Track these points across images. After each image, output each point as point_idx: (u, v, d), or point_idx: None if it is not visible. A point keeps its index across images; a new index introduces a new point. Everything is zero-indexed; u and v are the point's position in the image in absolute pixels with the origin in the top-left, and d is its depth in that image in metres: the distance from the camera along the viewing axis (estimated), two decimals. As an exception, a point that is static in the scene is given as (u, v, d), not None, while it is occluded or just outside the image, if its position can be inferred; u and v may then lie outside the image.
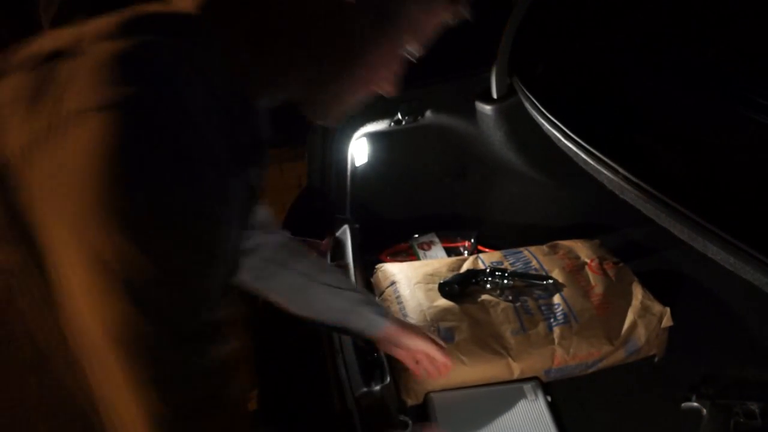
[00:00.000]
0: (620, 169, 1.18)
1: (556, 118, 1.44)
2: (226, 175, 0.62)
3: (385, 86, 0.82)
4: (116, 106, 0.54)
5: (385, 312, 1.27)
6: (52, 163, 0.55)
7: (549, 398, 1.37)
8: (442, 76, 1.78)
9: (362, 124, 1.71)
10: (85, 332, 0.60)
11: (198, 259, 0.60)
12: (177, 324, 0.60)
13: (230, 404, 0.67)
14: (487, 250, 1.88)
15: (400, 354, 1.30)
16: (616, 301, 1.53)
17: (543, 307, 1.52)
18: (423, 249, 1.90)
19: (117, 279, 0.56)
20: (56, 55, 0.59)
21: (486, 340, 1.42)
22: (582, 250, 1.73)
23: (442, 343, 1.32)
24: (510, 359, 1.39)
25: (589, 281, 1.60)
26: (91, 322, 0.58)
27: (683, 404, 1.37)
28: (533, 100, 1.56)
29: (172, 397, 0.61)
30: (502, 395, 1.37)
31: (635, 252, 1.81)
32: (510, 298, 1.54)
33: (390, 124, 1.76)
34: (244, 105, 0.72)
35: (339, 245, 1.61)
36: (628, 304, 1.51)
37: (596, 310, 1.50)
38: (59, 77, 0.57)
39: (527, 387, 1.38)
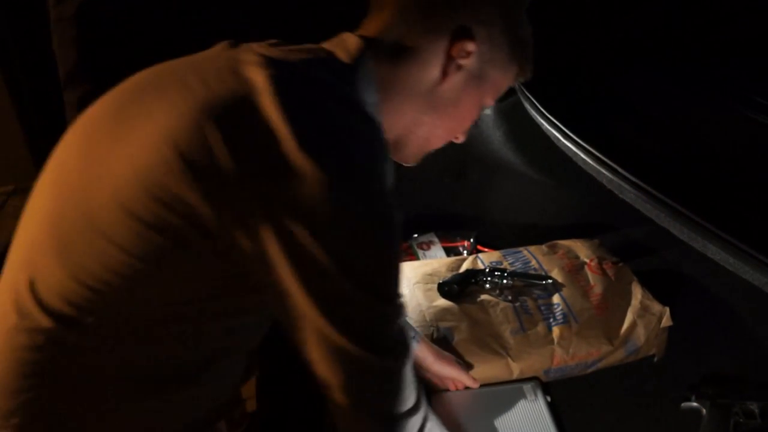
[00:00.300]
0: (620, 169, 1.18)
1: (555, 118, 1.44)
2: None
3: (461, 135, 1.02)
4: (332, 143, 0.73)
5: (417, 336, 1.34)
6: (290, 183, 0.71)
7: (549, 398, 1.36)
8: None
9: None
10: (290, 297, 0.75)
11: (390, 244, 0.79)
12: (375, 286, 0.76)
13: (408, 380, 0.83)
14: (486, 249, 1.88)
15: (426, 376, 1.35)
16: (615, 300, 1.52)
17: (542, 307, 1.52)
18: (422, 249, 1.89)
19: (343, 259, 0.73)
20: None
21: (485, 340, 1.42)
22: (581, 249, 1.72)
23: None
24: (509, 359, 1.39)
25: (588, 281, 1.60)
26: (295, 283, 0.73)
27: (683, 404, 1.36)
28: (532, 99, 1.56)
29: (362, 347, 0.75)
30: (501, 395, 1.37)
31: (635, 252, 1.80)
32: (509, 298, 1.54)
33: (389, 124, 1.75)
34: None
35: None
36: (628, 303, 1.51)
37: (595, 309, 1.50)
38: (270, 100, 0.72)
39: (527, 387, 1.38)
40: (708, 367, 1.45)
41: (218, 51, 0.85)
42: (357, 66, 0.86)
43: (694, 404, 1.34)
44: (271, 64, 0.76)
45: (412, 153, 1.01)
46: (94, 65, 0.87)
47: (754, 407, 1.30)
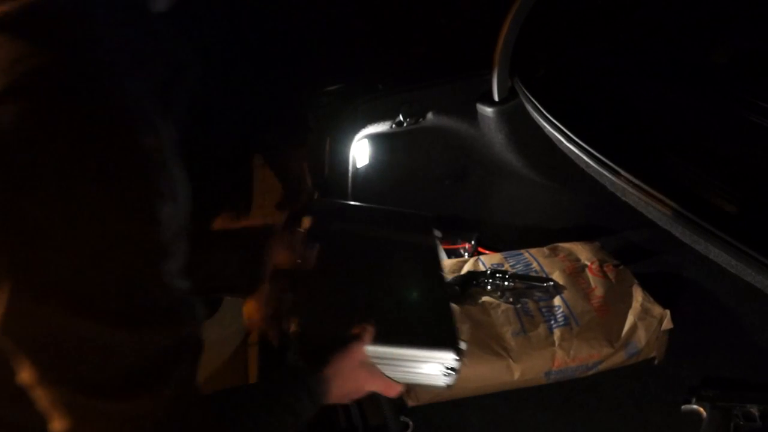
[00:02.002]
0: (623, 172, 1.19)
1: (557, 121, 1.45)
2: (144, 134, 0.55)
3: None
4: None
5: None
6: None
7: (439, 234, 1.28)
8: (444, 78, 1.78)
9: (364, 125, 1.72)
10: None
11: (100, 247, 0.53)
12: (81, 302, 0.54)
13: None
14: (487, 251, 1.88)
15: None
16: (616, 303, 1.53)
17: (543, 309, 1.52)
18: (423, 250, 1.89)
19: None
20: None
21: (486, 342, 1.42)
22: (582, 252, 1.73)
23: None
24: (510, 360, 1.39)
25: (589, 283, 1.60)
26: None
27: (683, 407, 1.37)
28: (535, 102, 1.57)
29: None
30: (395, 219, 1.29)
31: (635, 254, 1.81)
32: (510, 299, 1.54)
33: (391, 126, 1.76)
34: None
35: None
36: (629, 306, 1.52)
37: (596, 312, 1.51)
38: None
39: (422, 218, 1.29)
40: (708, 370, 1.46)
41: None
42: None
43: (695, 407, 1.35)
44: None
45: None
46: None
47: (754, 410, 1.31)
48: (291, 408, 0.79)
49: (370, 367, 0.91)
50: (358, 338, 0.90)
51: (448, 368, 0.92)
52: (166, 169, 0.57)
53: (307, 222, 1.12)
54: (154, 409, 0.59)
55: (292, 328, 0.89)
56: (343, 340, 0.89)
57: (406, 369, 0.93)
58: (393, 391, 0.94)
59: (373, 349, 0.89)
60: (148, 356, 0.58)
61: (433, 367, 0.92)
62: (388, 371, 0.92)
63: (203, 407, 0.66)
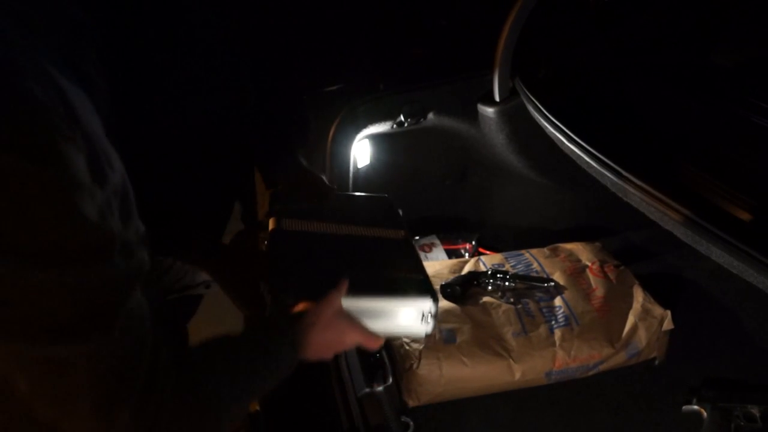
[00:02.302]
0: (624, 172, 1.19)
1: (558, 121, 1.44)
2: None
3: None
4: None
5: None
6: None
7: (400, 211, 1.28)
8: (445, 78, 1.79)
9: (365, 125, 1.72)
10: None
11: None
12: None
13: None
14: (488, 252, 1.88)
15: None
16: (617, 303, 1.53)
17: (544, 310, 1.52)
18: (424, 251, 1.90)
19: None
20: None
21: (487, 342, 1.42)
22: (583, 252, 1.73)
23: None
24: (511, 361, 1.39)
25: (590, 284, 1.60)
26: None
27: (684, 407, 1.37)
28: (536, 102, 1.57)
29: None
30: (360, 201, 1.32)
31: (636, 255, 1.81)
32: (511, 300, 1.54)
33: (392, 126, 1.76)
34: None
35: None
36: (629, 307, 1.52)
37: (597, 312, 1.51)
38: None
39: (384, 199, 1.30)
40: (709, 371, 1.46)
41: None
42: None
43: (695, 407, 1.35)
44: None
45: None
46: None
47: (755, 411, 1.31)
48: (272, 355, 0.79)
49: (350, 317, 0.92)
50: (334, 289, 0.90)
51: (426, 315, 0.94)
52: (73, 117, 0.57)
53: (271, 222, 1.13)
54: (104, 347, 0.59)
55: (268, 289, 0.90)
56: (319, 293, 0.89)
57: (385, 321, 0.94)
58: (374, 344, 0.94)
59: (350, 302, 0.90)
60: (84, 297, 0.58)
61: (411, 316, 0.94)
62: (368, 325, 0.93)
63: (159, 348, 0.65)
